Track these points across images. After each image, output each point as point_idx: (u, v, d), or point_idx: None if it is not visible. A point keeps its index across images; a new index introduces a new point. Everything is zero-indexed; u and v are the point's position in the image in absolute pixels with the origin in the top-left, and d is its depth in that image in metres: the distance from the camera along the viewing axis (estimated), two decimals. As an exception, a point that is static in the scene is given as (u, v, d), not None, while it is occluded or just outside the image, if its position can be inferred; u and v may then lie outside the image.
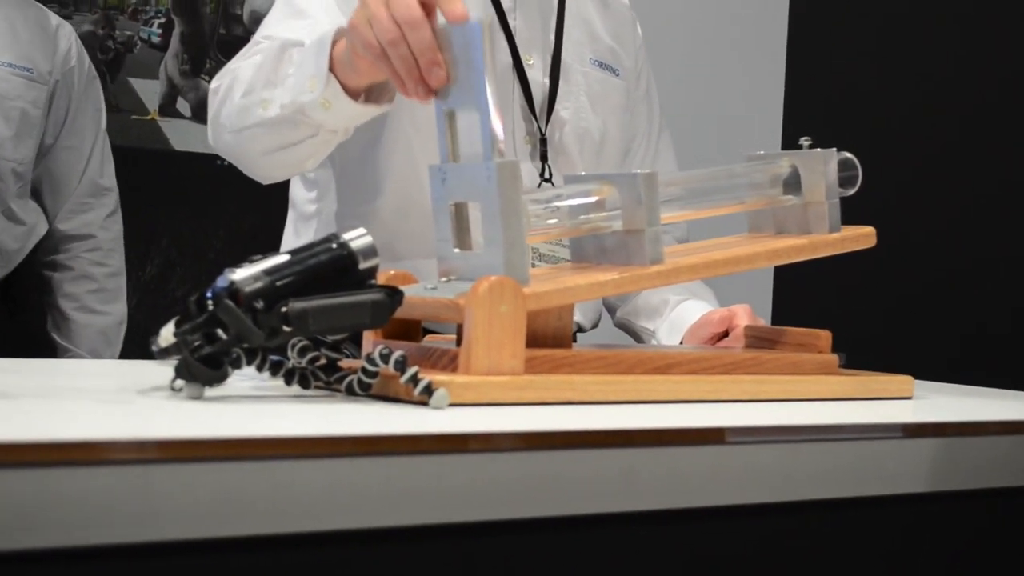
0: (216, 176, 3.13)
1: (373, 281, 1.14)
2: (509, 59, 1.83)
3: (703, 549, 1.09)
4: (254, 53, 1.68)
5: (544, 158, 1.84)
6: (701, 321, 1.81)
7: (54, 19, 2.58)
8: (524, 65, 1.84)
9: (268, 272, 1.09)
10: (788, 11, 3.22)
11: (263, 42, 1.69)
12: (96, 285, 2.61)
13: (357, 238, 1.14)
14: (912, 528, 1.23)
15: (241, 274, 1.08)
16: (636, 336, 1.95)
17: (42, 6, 2.59)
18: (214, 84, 1.74)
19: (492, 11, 1.81)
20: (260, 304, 1.07)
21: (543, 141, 1.84)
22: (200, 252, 3.13)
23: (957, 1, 2.89)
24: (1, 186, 2.42)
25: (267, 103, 1.58)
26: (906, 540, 1.22)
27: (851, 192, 1.49)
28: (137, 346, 3.01)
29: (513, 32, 1.84)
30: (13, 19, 2.47)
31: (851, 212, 1.49)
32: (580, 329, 1.98)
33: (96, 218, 2.60)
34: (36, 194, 2.57)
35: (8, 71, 2.41)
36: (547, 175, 1.84)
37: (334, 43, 1.47)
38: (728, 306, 1.80)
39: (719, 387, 1.30)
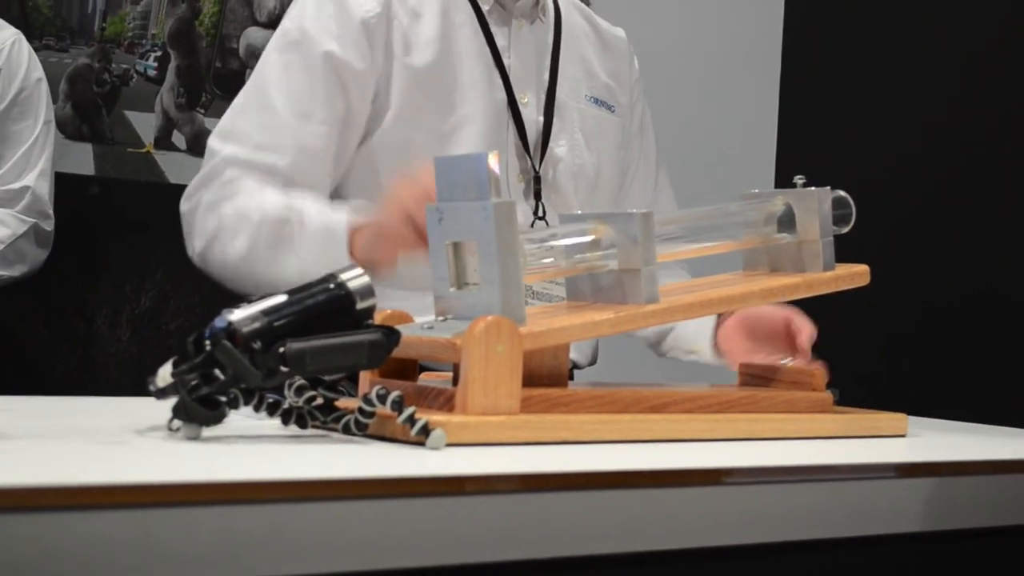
0: (211, 209, 3.13)
1: (370, 321, 1.14)
2: (504, 97, 1.84)
3: (699, 590, 1.09)
4: (234, 192, 1.73)
5: (538, 196, 1.85)
6: (758, 315, 1.76)
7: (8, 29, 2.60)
8: (519, 103, 1.85)
9: (266, 312, 1.09)
10: (781, 49, 3.24)
11: (230, 154, 1.76)
12: None
13: (354, 278, 1.14)
14: (907, 568, 1.23)
15: (239, 315, 1.08)
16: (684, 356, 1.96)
17: None
18: (185, 206, 1.81)
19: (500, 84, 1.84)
20: (258, 344, 1.07)
21: (536, 179, 1.86)
22: (195, 285, 3.12)
23: (951, 39, 2.90)
24: None
25: (276, 271, 1.65)
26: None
27: (845, 230, 1.49)
28: (130, 379, 3.01)
29: (508, 70, 1.85)
30: None
31: (845, 249, 1.49)
32: (576, 366, 1.98)
33: None
34: None
35: None
36: (541, 213, 1.84)
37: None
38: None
39: (714, 426, 1.30)
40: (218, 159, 1.78)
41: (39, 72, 2.66)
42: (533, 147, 1.86)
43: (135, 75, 3.20)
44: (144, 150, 3.18)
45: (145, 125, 3.19)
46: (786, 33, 3.26)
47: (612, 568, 1.02)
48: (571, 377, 1.99)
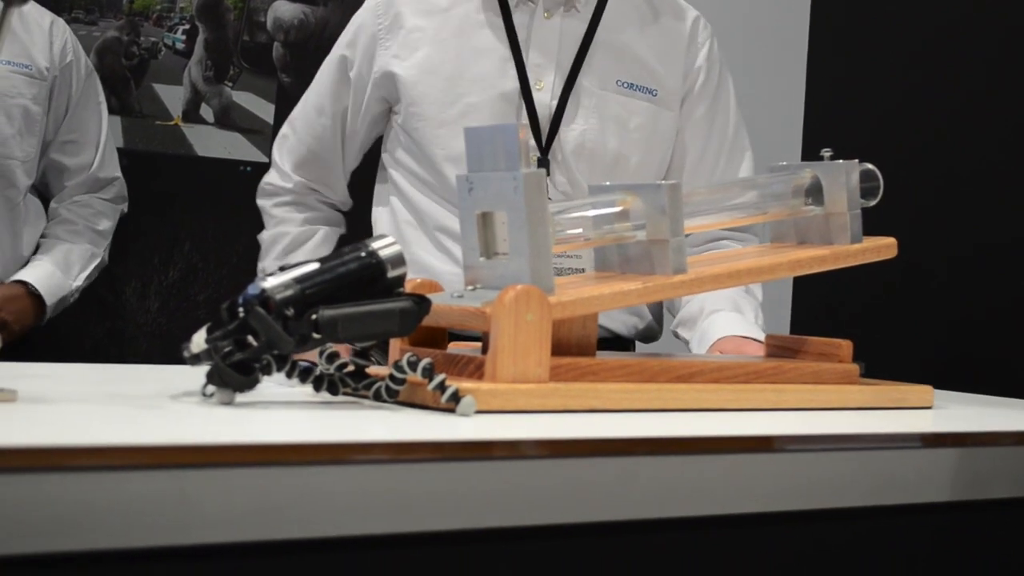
0: (239, 181, 3.15)
1: (401, 289, 1.15)
2: (516, 86, 1.95)
3: (724, 556, 1.10)
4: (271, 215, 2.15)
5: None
6: (721, 344, 1.87)
7: (48, 16, 2.59)
8: (532, 89, 1.96)
9: (299, 280, 1.10)
10: (809, 22, 3.23)
11: (281, 134, 2.17)
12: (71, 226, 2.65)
13: (386, 247, 1.15)
14: (933, 537, 1.24)
15: (272, 282, 1.09)
16: (686, 345, 1.99)
17: (35, 3, 2.60)
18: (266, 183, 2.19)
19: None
20: (291, 311, 1.08)
21: (540, 161, 1.95)
22: (223, 256, 3.15)
23: (981, 11, 2.89)
24: (11, 184, 2.43)
25: None
26: (926, 549, 1.23)
27: (873, 203, 1.50)
28: (159, 349, 3.03)
29: (525, 59, 1.96)
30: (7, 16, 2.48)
31: (873, 222, 1.49)
32: (620, 338, 2.01)
33: (91, 203, 2.65)
34: (38, 191, 2.60)
35: (7, 68, 2.42)
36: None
37: None
38: (747, 333, 1.86)
39: (741, 396, 1.31)
40: (277, 138, 2.19)
41: (86, 56, 2.68)
42: (542, 130, 1.96)
43: (163, 48, 3.21)
44: (172, 123, 3.20)
45: (173, 98, 3.20)
46: (815, 4, 3.26)
47: (638, 533, 1.03)
48: (632, 347, 2.09)
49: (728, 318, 1.91)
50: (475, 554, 0.96)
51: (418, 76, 1.98)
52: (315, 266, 1.12)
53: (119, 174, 2.72)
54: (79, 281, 2.63)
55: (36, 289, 2.52)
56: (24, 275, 2.53)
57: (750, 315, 1.94)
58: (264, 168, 2.19)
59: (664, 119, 2.03)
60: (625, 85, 2.00)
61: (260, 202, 2.16)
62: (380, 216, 2.07)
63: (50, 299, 2.53)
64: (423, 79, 1.97)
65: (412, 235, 1.99)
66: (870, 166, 1.50)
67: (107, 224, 2.70)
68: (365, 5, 2.07)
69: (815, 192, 1.48)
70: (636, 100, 2.01)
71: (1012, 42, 2.82)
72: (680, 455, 1.05)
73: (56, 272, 2.57)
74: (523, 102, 1.95)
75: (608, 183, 1.37)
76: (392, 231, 2.00)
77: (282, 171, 2.14)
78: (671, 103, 2.04)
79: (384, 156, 2.09)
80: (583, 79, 1.98)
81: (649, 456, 1.04)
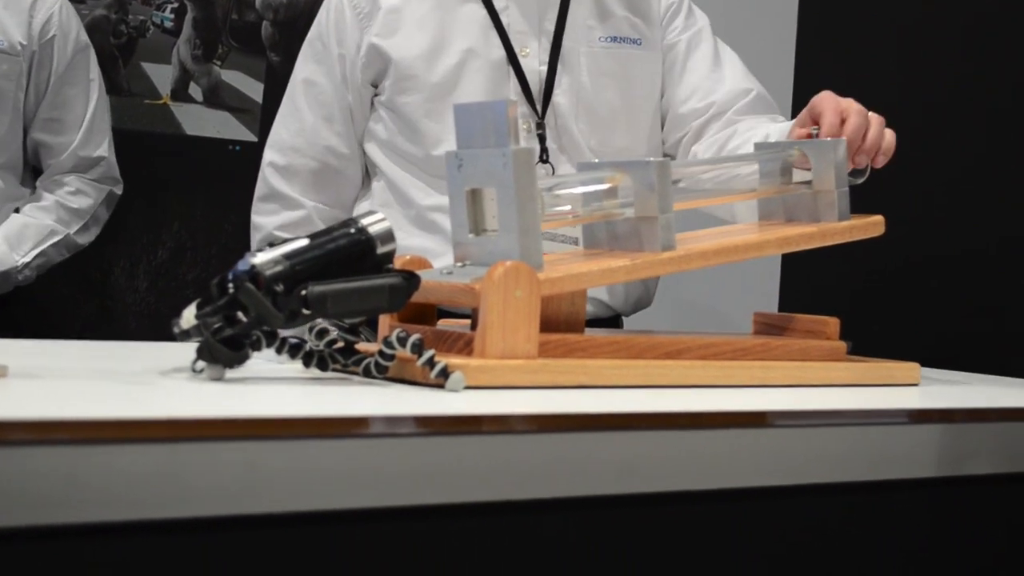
0: (228, 160, 3.15)
1: (390, 265, 1.16)
2: (503, 54, 1.96)
3: (712, 531, 1.10)
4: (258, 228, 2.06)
5: (542, 140, 1.95)
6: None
7: None
8: (519, 57, 1.96)
9: (288, 256, 1.10)
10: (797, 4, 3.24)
11: (269, 160, 2.06)
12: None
13: (375, 223, 1.15)
14: (918, 512, 1.25)
15: (262, 258, 1.10)
16: None
17: None
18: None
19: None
20: (280, 287, 1.09)
21: (539, 125, 1.95)
22: (211, 236, 3.15)
23: (971, 9, 2.90)
24: None
25: None
26: (912, 524, 1.24)
27: (860, 181, 1.51)
28: (148, 329, 3.03)
29: (506, 28, 1.96)
30: None
31: (860, 200, 1.50)
32: (615, 312, 2.02)
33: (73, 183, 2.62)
34: (31, 171, 2.58)
35: None
36: (544, 157, 1.94)
37: None
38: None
39: (729, 372, 1.32)
40: (263, 164, 2.08)
41: (85, 35, 2.63)
42: (536, 95, 1.96)
43: (152, 27, 3.20)
44: (161, 102, 3.19)
45: (162, 77, 3.19)
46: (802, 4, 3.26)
47: (627, 507, 1.04)
48: (620, 324, 2.07)
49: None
50: (464, 528, 0.96)
51: (404, 50, 1.97)
52: (304, 242, 1.12)
53: (106, 154, 2.67)
54: (27, 257, 2.57)
55: None
56: None
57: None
58: (253, 147, 2.18)
59: (652, 63, 2.05)
60: (608, 39, 2.02)
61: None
62: (359, 209, 2.05)
63: None
64: (409, 52, 1.96)
65: (393, 218, 1.97)
66: (858, 144, 1.50)
67: (86, 203, 2.66)
68: None
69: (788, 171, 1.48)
70: (623, 52, 2.03)
71: (1002, 39, 2.82)
72: (669, 430, 1.06)
73: (1, 246, 2.55)
74: (511, 69, 1.96)
75: (597, 160, 1.37)
76: None
77: (289, 200, 2.04)
78: (654, 47, 2.06)
79: (363, 141, 2.06)
80: (567, 41, 1.99)
81: (638, 431, 1.04)
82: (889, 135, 1.58)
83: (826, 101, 1.58)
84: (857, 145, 1.54)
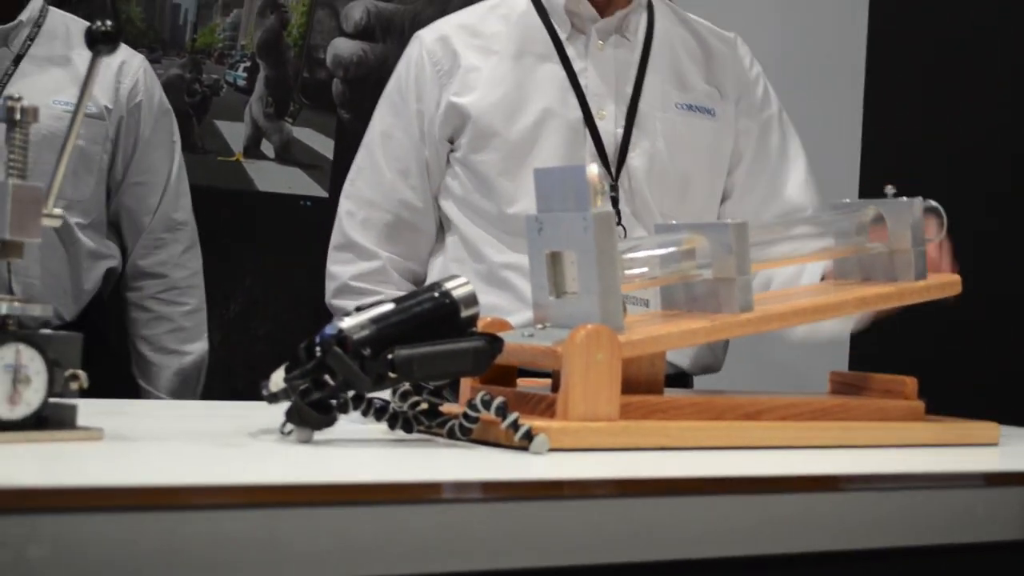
0: (298, 216, 3.18)
1: (474, 328, 1.17)
2: (580, 115, 1.98)
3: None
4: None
5: (615, 203, 1.96)
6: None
7: (120, 55, 2.52)
8: (595, 118, 1.98)
9: (375, 320, 1.12)
10: (865, 63, 3.24)
11: (345, 211, 2.08)
12: (173, 325, 2.57)
13: (459, 287, 1.17)
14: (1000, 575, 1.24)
15: (349, 322, 1.12)
16: None
17: None
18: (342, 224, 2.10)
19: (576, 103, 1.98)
20: (367, 351, 1.11)
21: (613, 187, 1.96)
22: (283, 292, 3.18)
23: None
24: (66, 226, 2.42)
25: None
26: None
27: (937, 240, 1.50)
28: (220, 382, 3.06)
29: (584, 90, 1.98)
30: (72, 57, 2.48)
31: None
32: (683, 371, 2.03)
33: (170, 255, 2.58)
34: (116, 231, 2.60)
35: (63, 110, 2.40)
36: (618, 220, 1.93)
37: None
38: None
39: (808, 434, 1.32)
40: (339, 213, 2.10)
41: (166, 99, 2.63)
42: (611, 158, 1.98)
43: (225, 85, 3.25)
44: (234, 158, 3.24)
45: (235, 134, 3.24)
46: (871, 43, 3.26)
47: (709, 571, 1.04)
48: (691, 384, 2.07)
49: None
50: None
51: (482, 108, 1.98)
52: (390, 307, 1.14)
53: (189, 218, 2.63)
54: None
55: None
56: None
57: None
58: (324, 203, 2.21)
59: (724, 136, 2.07)
60: (684, 107, 2.04)
61: (346, 303, 2.00)
62: (432, 264, 2.07)
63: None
64: (487, 110, 1.98)
65: (464, 273, 1.97)
66: (934, 203, 1.50)
67: (193, 303, 2.65)
68: (417, 52, 2.06)
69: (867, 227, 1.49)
70: (697, 120, 2.04)
71: None
72: (750, 494, 1.06)
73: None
74: (587, 131, 1.97)
75: (675, 221, 1.38)
76: (444, 273, 1.99)
77: (364, 251, 2.06)
78: (728, 120, 2.08)
79: (439, 197, 2.07)
80: (643, 105, 2.00)
81: (718, 495, 1.05)
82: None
83: None
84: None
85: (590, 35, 2.01)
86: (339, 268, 2.07)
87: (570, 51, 2.00)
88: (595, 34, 2.01)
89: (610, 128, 1.98)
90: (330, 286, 2.08)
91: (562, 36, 2.01)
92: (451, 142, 2.03)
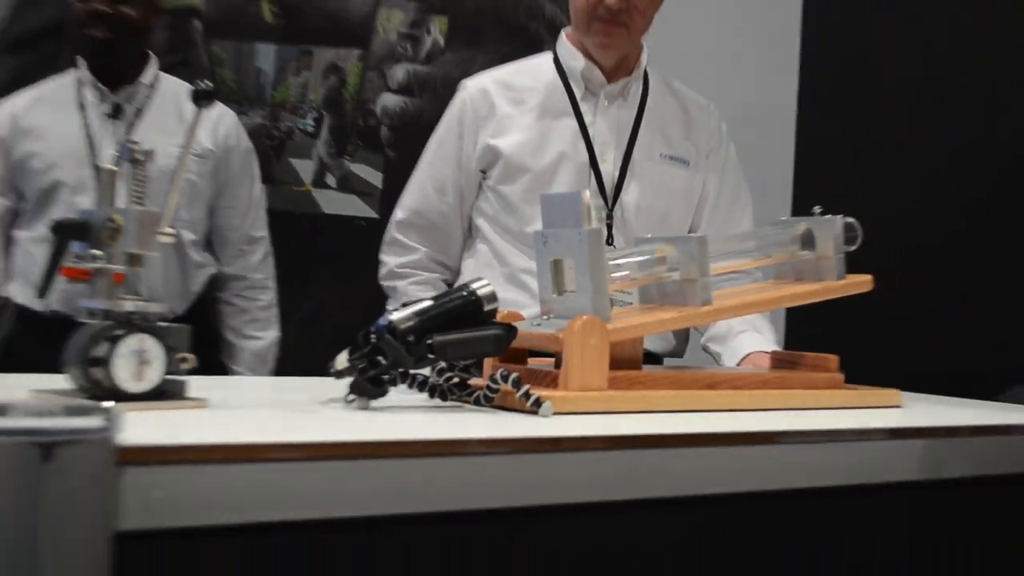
0: (355, 233, 3.19)
1: (494, 319, 1.18)
2: (587, 158, 1.99)
3: (741, 526, 1.11)
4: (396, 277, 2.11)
5: (609, 228, 1.99)
6: (752, 358, 1.89)
7: (217, 109, 2.55)
8: (599, 162, 2.00)
9: (418, 313, 1.13)
10: (796, 103, 3.23)
11: (397, 219, 2.12)
12: (251, 316, 2.60)
13: (482, 287, 1.18)
14: (899, 511, 1.23)
15: (398, 315, 1.12)
16: (714, 357, 2.00)
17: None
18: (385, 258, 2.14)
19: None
20: (411, 338, 1.11)
21: (609, 215, 1.98)
22: (346, 298, 3.16)
23: (953, 79, 2.86)
24: (179, 239, 2.46)
25: None
26: (894, 521, 1.23)
27: (853, 248, 1.50)
28: (295, 363, 3.05)
29: (592, 140, 2.00)
30: (181, 111, 2.48)
31: (852, 262, 1.50)
32: (654, 355, 2.03)
33: (250, 263, 2.61)
34: (209, 245, 2.61)
35: (176, 152, 2.42)
36: (610, 241, 1.98)
37: None
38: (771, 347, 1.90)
39: (754, 399, 1.32)
40: (392, 218, 2.14)
41: (250, 141, 2.64)
42: (608, 194, 1.99)
43: (297, 131, 3.26)
44: (304, 188, 3.24)
45: (305, 169, 3.24)
46: (801, 86, 3.24)
47: (679, 507, 1.05)
48: (661, 363, 2.07)
49: (753, 338, 1.94)
50: (553, 525, 0.97)
51: (512, 148, 2.00)
52: (430, 303, 1.15)
53: (264, 233, 2.66)
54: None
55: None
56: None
57: (769, 335, 1.96)
58: (375, 223, 2.21)
59: (695, 182, 2.08)
60: (667, 157, 2.05)
61: (393, 283, 2.11)
62: (466, 264, 2.09)
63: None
64: (516, 151, 2.00)
65: (489, 275, 2.00)
66: (852, 220, 1.50)
67: (266, 299, 2.66)
68: (462, 98, 2.07)
69: (808, 240, 1.49)
70: (676, 169, 2.05)
71: (996, 97, 2.77)
72: (711, 447, 1.07)
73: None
74: (591, 171, 1.99)
75: (650, 235, 1.38)
76: (475, 272, 2.02)
77: (407, 246, 2.10)
78: (699, 169, 2.08)
79: (472, 214, 2.10)
80: (636, 153, 2.02)
81: (688, 448, 1.05)
82: None
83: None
84: None
85: (599, 97, 2.03)
86: (388, 258, 2.12)
87: (583, 107, 2.03)
88: (604, 97, 2.03)
89: (609, 170, 2.00)
90: (381, 271, 2.13)
91: (577, 95, 2.03)
92: (483, 172, 2.04)
